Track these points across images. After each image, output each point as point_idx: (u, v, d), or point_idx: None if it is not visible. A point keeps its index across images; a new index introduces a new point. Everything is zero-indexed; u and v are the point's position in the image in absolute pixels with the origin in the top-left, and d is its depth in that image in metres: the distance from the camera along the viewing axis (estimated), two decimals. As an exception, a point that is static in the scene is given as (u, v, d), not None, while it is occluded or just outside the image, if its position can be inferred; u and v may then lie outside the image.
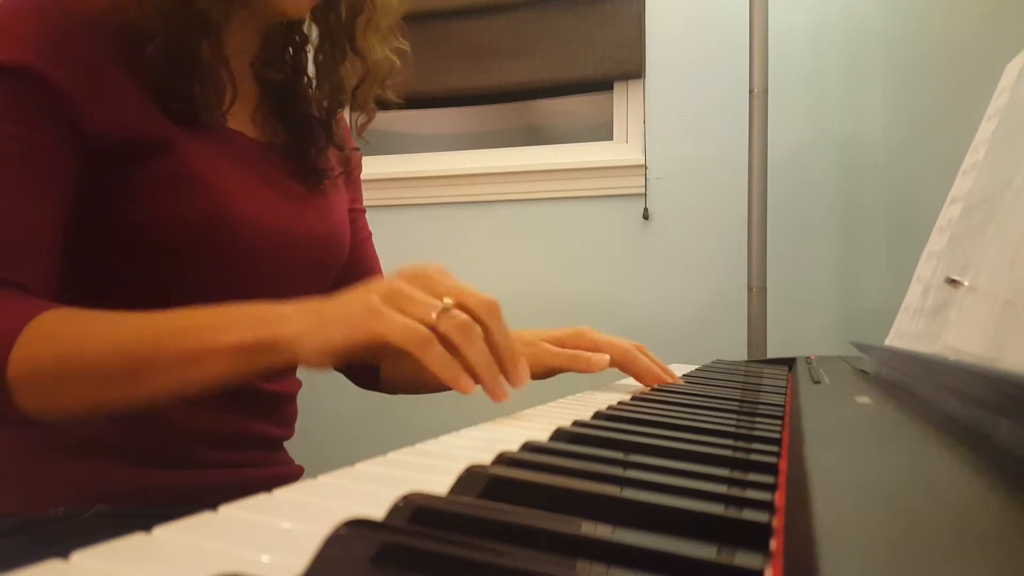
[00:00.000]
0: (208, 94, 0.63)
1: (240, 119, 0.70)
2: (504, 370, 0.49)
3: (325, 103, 0.78)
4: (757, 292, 1.46)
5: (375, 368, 0.87)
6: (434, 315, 0.46)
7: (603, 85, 1.85)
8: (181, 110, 0.62)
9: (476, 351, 0.47)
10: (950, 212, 0.66)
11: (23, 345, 0.49)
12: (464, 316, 0.47)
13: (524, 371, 0.50)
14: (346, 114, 0.84)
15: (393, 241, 1.86)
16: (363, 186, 0.91)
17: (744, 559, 0.21)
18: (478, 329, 0.48)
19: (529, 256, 1.81)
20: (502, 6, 1.84)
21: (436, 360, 0.45)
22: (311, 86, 0.77)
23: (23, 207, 0.55)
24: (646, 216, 1.73)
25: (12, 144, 0.55)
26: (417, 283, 0.48)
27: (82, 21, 0.58)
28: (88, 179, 0.59)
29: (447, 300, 0.47)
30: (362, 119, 0.80)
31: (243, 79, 0.70)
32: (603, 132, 1.88)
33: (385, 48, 0.77)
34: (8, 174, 0.55)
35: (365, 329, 0.45)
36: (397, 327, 0.45)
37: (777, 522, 0.23)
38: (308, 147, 0.76)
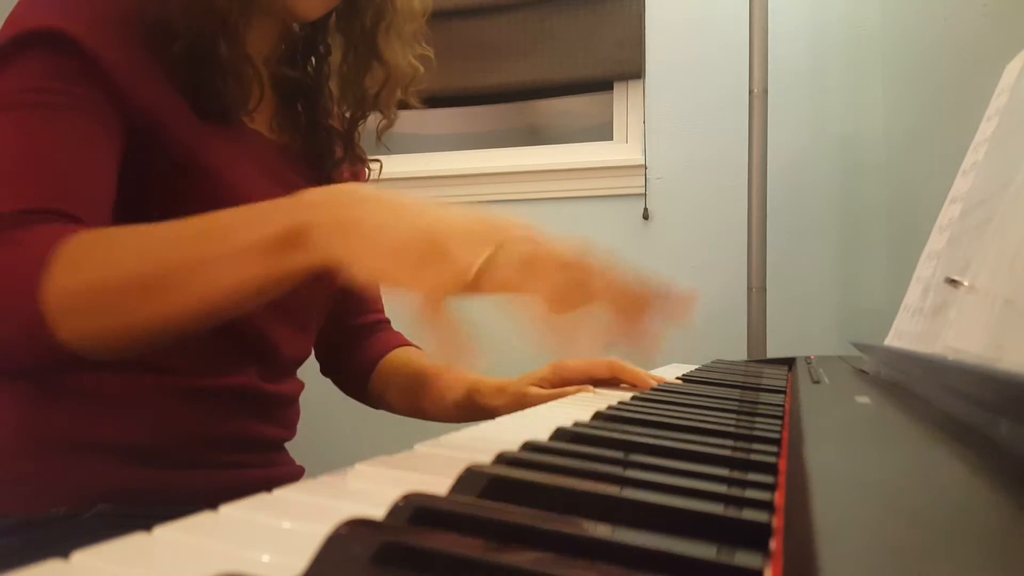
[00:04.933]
0: (233, 91, 0.64)
1: (259, 122, 0.71)
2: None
3: (347, 114, 0.78)
4: (757, 292, 1.46)
5: (364, 377, 0.87)
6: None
7: (603, 85, 1.85)
8: (208, 107, 0.63)
9: (545, 286, 0.39)
10: (950, 212, 0.66)
11: (56, 273, 0.46)
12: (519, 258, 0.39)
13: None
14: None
15: (393, 241, 1.87)
16: (364, 186, 0.91)
17: (744, 559, 0.21)
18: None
19: (529, 256, 1.80)
20: (502, 6, 1.84)
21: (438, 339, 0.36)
22: (332, 97, 0.77)
23: (75, 148, 0.55)
24: (646, 216, 1.73)
25: (58, 98, 0.55)
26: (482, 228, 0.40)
27: (117, 10, 0.59)
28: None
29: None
30: (383, 123, 0.80)
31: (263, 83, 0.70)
32: (603, 132, 1.88)
33: (408, 54, 0.77)
34: (56, 120, 0.55)
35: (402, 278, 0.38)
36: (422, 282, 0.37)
37: (777, 522, 0.23)
38: (324, 157, 0.76)
